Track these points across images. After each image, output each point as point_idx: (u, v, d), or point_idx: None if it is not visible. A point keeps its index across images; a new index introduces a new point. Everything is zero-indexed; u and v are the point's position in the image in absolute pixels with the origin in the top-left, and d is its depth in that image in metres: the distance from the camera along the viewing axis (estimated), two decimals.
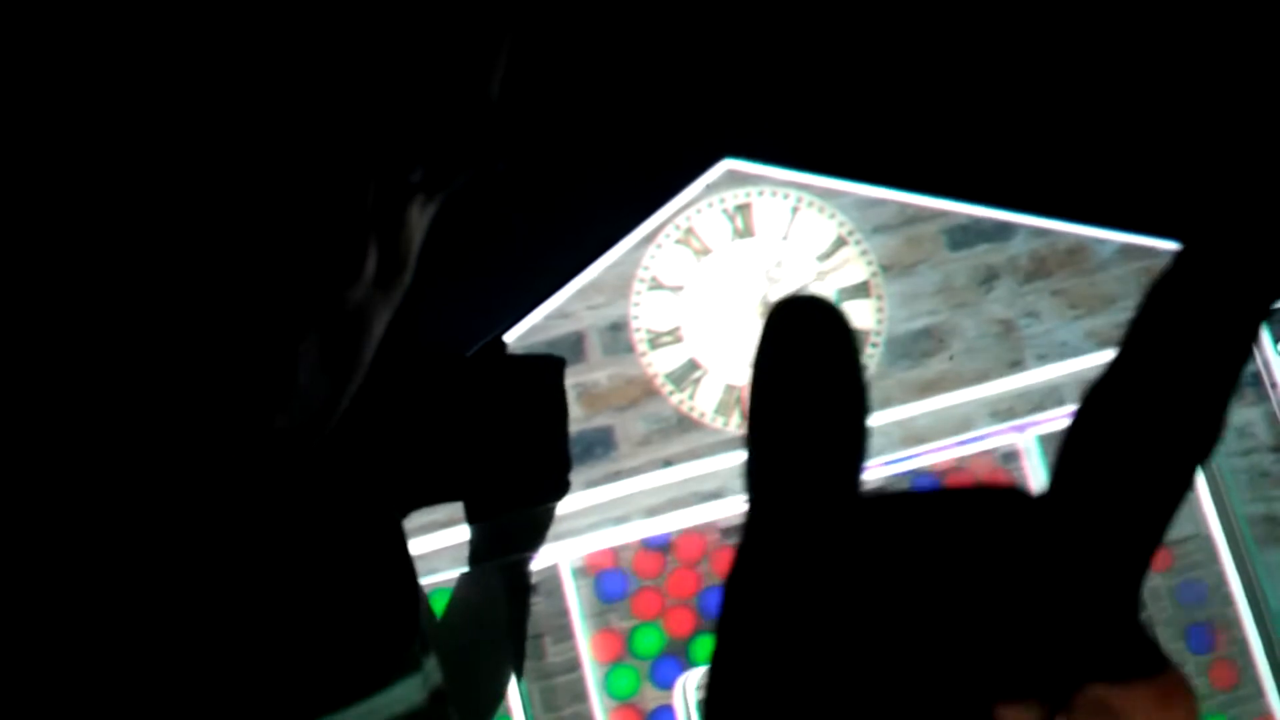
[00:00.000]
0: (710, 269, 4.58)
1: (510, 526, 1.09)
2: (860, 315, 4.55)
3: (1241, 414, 5.05)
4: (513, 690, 4.63)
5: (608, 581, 4.67)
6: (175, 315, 0.33)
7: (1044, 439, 4.85)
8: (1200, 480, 5.10)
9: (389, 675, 0.54)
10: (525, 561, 1.13)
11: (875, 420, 4.36)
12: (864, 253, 4.55)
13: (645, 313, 4.51)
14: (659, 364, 4.52)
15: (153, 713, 0.40)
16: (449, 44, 0.37)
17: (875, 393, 4.49)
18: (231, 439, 0.35)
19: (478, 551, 1.05)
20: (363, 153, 0.35)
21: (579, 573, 4.68)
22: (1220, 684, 4.90)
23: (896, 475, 4.92)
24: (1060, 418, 4.81)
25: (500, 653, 1.09)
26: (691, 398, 4.49)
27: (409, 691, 0.56)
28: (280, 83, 0.33)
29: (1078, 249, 4.56)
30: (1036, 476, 4.81)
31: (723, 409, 4.52)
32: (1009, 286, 4.51)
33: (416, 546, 4.03)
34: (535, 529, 1.13)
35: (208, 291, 0.33)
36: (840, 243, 4.62)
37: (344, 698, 0.50)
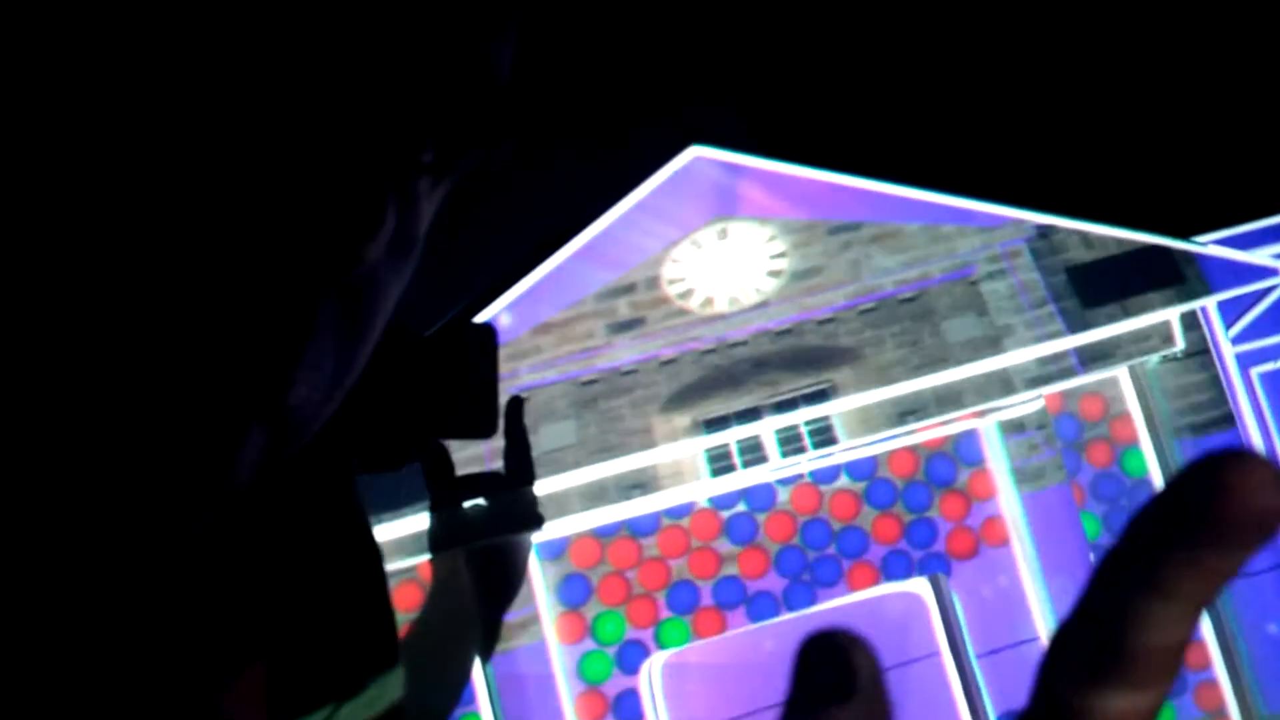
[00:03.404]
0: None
1: (484, 511, 1.07)
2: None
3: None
4: (479, 673, 4.64)
5: (570, 587, 4.66)
6: (191, 271, 0.33)
7: (1004, 424, 4.94)
8: (1155, 465, 5.21)
9: (374, 671, 0.54)
10: (505, 546, 1.11)
11: (840, 406, 4.41)
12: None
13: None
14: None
15: (140, 708, 0.39)
16: (462, 22, 0.38)
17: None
18: (250, 408, 0.34)
19: (441, 538, 1.03)
20: (382, 117, 0.35)
21: (555, 559, 4.69)
22: None
23: (858, 460, 4.99)
24: (1019, 403, 4.90)
25: (466, 641, 1.07)
26: None
27: (392, 687, 0.55)
28: (297, 48, 0.34)
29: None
30: (996, 459, 4.91)
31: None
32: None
33: (385, 532, 4.03)
34: (512, 513, 1.11)
35: (225, 245, 0.33)
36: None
37: (336, 695, 0.50)
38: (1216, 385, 5.03)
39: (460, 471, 1.03)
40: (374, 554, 0.58)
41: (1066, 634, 0.30)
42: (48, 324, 0.32)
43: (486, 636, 1.11)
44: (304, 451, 0.41)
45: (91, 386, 0.32)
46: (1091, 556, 4.73)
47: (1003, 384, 4.62)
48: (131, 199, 0.32)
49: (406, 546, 3.86)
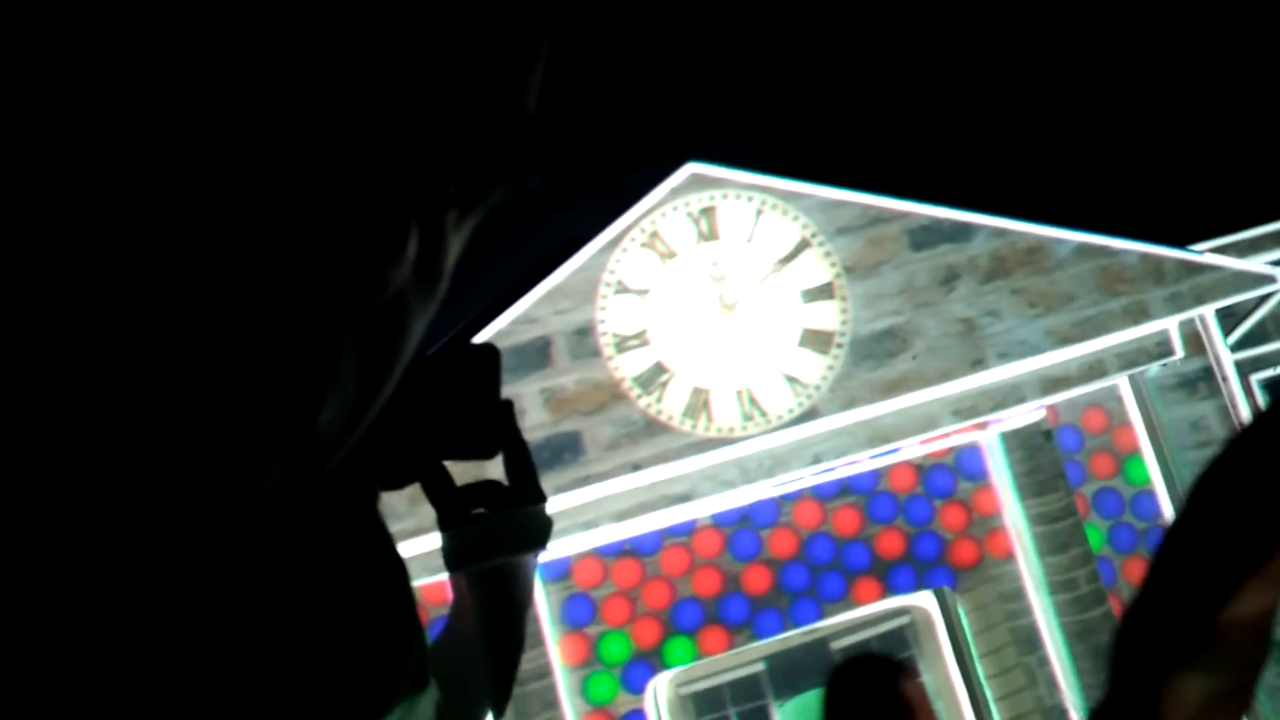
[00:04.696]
0: (676, 272, 4.57)
1: (494, 530, 1.06)
2: (824, 317, 4.57)
3: (1194, 408, 5.17)
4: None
5: (574, 607, 4.64)
6: (210, 297, 0.33)
7: (1006, 436, 4.92)
8: (1156, 475, 5.21)
9: (404, 692, 0.53)
10: (514, 566, 1.10)
11: (841, 420, 4.40)
12: (827, 254, 4.57)
13: (611, 316, 4.49)
14: (626, 367, 4.51)
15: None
16: (488, 58, 0.38)
17: (841, 393, 4.53)
18: (273, 436, 0.34)
19: (454, 558, 1.03)
20: (407, 148, 0.36)
21: (559, 579, 4.67)
22: None
23: (860, 474, 4.96)
24: (1021, 414, 4.89)
25: (478, 668, 1.06)
26: (659, 400, 4.48)
27: (424, 709, 0.55)
28: (322, 74, 0.34)
29: (1036, 248, 4.62)
30: (999, 471, 4.88)
31: (690, 411, 4.52)
32: (970, 286, 4.56)
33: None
34: (522, 532, 1.10)
35: (245, 270, 0.33)
36: (804, 244, 4.64)
37: (367, 713, 0.49)
38: (1217, 394, 5.02)
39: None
40: (400, 570, 0.58)
41: (1139, 615, 0.29)
42: (72, 340, 0.32)
43: (498, 672, 1.10)
44: (331, 472, 0.41)
45: (115, 406, 0.33)
46: (1094, 565, 4.71)
47: (1006, 394, 4.61)
48: (154, 220, 0.33)
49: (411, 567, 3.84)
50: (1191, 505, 0.28)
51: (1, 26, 0.30)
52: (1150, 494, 5.07)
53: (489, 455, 1.04)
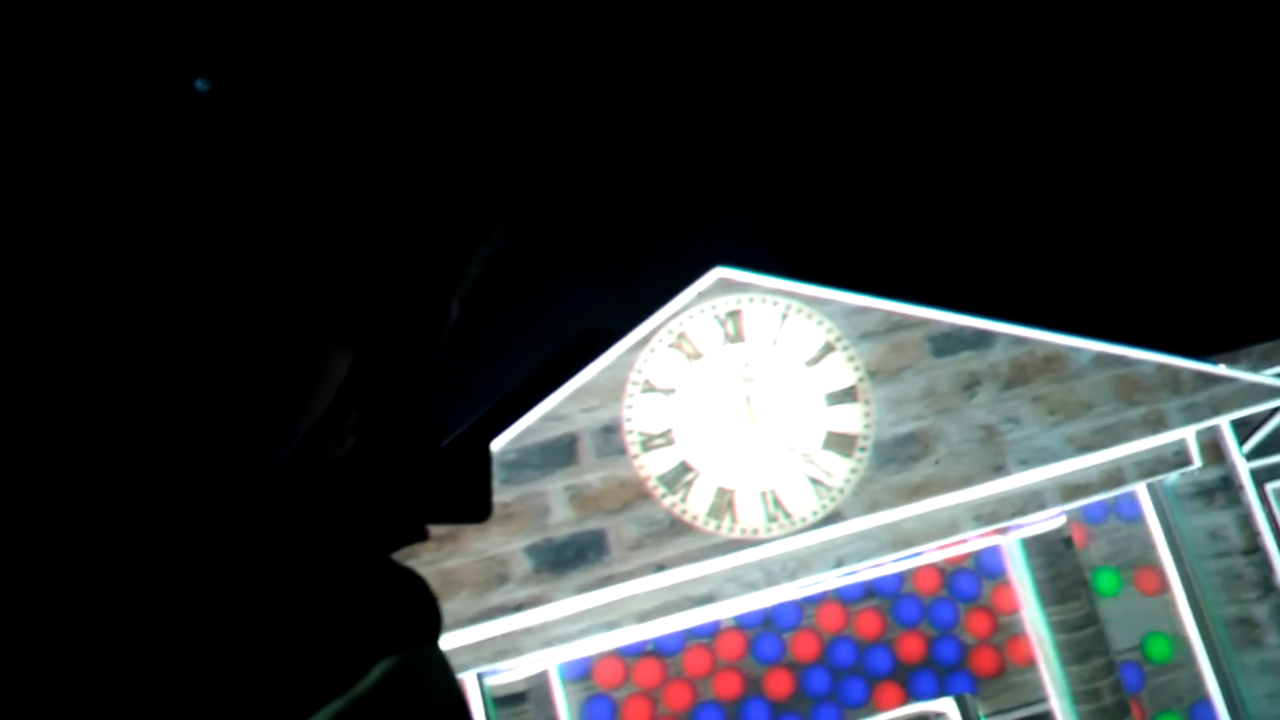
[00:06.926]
0: (702, 373, 4.65)
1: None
2: (848, 420, 4.62)
3: (1213, 518, 5.18)
4: None
5: (596, 708, 4.59)
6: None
7: (1026, 542, 4.93)
8: (1176, 583, 5.19)
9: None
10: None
11: (864, 523, 4.42)
12: (851, 358, 4.66)
13: (638, 415, 4.56)
14: (651, 466, 4.55)
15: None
16: (431, 256, 0.40)
17: (864, 497, 4.56)
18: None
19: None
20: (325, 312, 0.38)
21: (580, 679, 4.61)
22: None
23: (884, 577, 4.95)
24: (1042, 520, 4.90)
25: None
26: (684, 500, 4.51)
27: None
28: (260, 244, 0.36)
29: (1055, 357, 4.71)
30: (1020, 577, 4.88)
31: (715, 512, 4.54)
32: (990, 393, 4.63)
33: None
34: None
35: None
36: (828, 349, 4.74)
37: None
38: (1235, 503, 5.04)
39: None
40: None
41: None
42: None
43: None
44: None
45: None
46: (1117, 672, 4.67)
47: (1026, 500, 4.63)
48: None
49: None
50: None
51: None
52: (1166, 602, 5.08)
53: (483, 519, 1.08)
